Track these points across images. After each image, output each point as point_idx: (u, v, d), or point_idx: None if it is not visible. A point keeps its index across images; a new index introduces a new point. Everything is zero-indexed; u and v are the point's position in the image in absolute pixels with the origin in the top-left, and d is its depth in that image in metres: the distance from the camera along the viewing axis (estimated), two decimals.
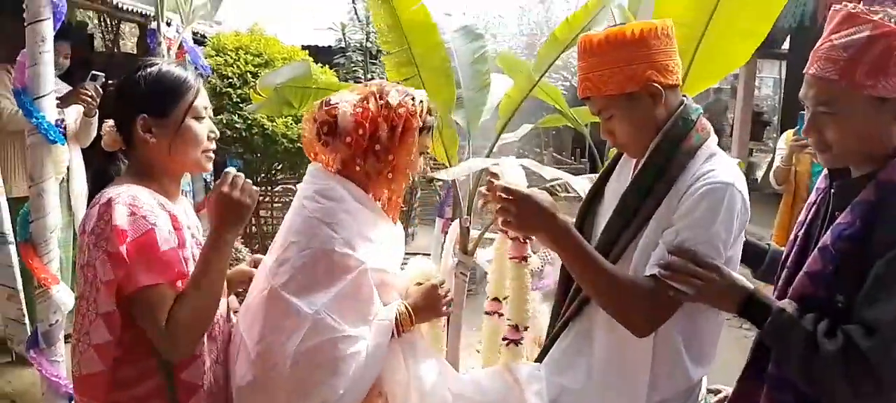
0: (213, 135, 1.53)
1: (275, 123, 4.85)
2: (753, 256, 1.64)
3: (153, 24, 4.08)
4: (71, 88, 3.66)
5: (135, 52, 5.01)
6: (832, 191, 1.36)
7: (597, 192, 1.63)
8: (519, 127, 3.48)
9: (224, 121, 4.78)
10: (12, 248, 3.19)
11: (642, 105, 1.42)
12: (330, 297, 1.42)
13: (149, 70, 1.47)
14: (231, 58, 4.96)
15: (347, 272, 1.43)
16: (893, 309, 1.15)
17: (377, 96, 1.54)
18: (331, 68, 5.85)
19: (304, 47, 6.56)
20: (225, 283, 1.49)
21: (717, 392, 1.82)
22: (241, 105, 4.75)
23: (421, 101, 1.57)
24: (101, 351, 1.35)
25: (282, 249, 1.50)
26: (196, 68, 4.80)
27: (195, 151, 1.49)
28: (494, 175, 1.57)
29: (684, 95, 1.49)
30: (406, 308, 1.56)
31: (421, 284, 1.65)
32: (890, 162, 1.24)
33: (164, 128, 1.45)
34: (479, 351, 4.63)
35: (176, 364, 1.42)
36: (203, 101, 1.52)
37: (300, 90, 2.85)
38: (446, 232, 3.30)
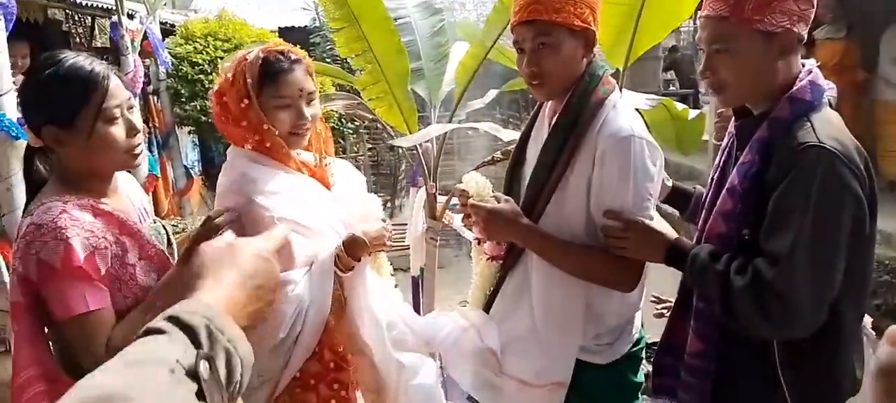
0: (134, 132, 1.39)
1: None
2: (681, 199, 1.73)
3: (115, 18, 4.10)
4: None
5: (108, 46, 5.03)
6: (734, 131, 1.44)
7: (519, 159, 1.72)
8: (487, 92, 3.52)
9: (198, 108, 4.83)
10: None
11: (576, 46, 1.50)
12: None
13: (47, 72, 1.30)
14: (200, 45, 5.00)
15: (257, 225, 1.50)
16: (790, 239, 1.24)
17: (224, 71, 1.63)
18: (307, 48, 5.86)
19: (279, 28, 6.54)
20: None
21: (660, 301, 1.88)
22: None
23: (247, 57, 1.59)
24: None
25: None
26: (157, 62, 4.83)
27: (115, 155, 1.36)
28: (464, 193, 1.63)
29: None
30: (339, 247, 1.63)
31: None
32: (781, 100, 1.31)
33: (75, 135, 1.32)
34: None
35: None
36: (115, 100, 1.34)
37: None
38: None
